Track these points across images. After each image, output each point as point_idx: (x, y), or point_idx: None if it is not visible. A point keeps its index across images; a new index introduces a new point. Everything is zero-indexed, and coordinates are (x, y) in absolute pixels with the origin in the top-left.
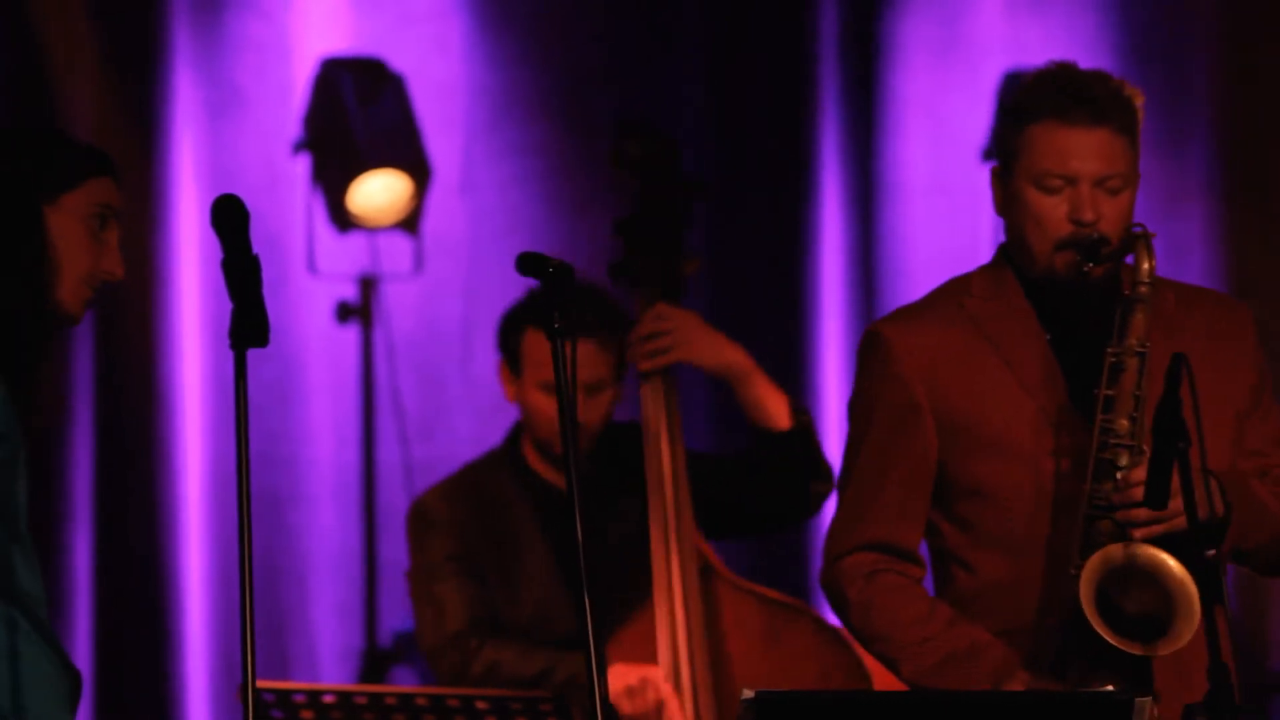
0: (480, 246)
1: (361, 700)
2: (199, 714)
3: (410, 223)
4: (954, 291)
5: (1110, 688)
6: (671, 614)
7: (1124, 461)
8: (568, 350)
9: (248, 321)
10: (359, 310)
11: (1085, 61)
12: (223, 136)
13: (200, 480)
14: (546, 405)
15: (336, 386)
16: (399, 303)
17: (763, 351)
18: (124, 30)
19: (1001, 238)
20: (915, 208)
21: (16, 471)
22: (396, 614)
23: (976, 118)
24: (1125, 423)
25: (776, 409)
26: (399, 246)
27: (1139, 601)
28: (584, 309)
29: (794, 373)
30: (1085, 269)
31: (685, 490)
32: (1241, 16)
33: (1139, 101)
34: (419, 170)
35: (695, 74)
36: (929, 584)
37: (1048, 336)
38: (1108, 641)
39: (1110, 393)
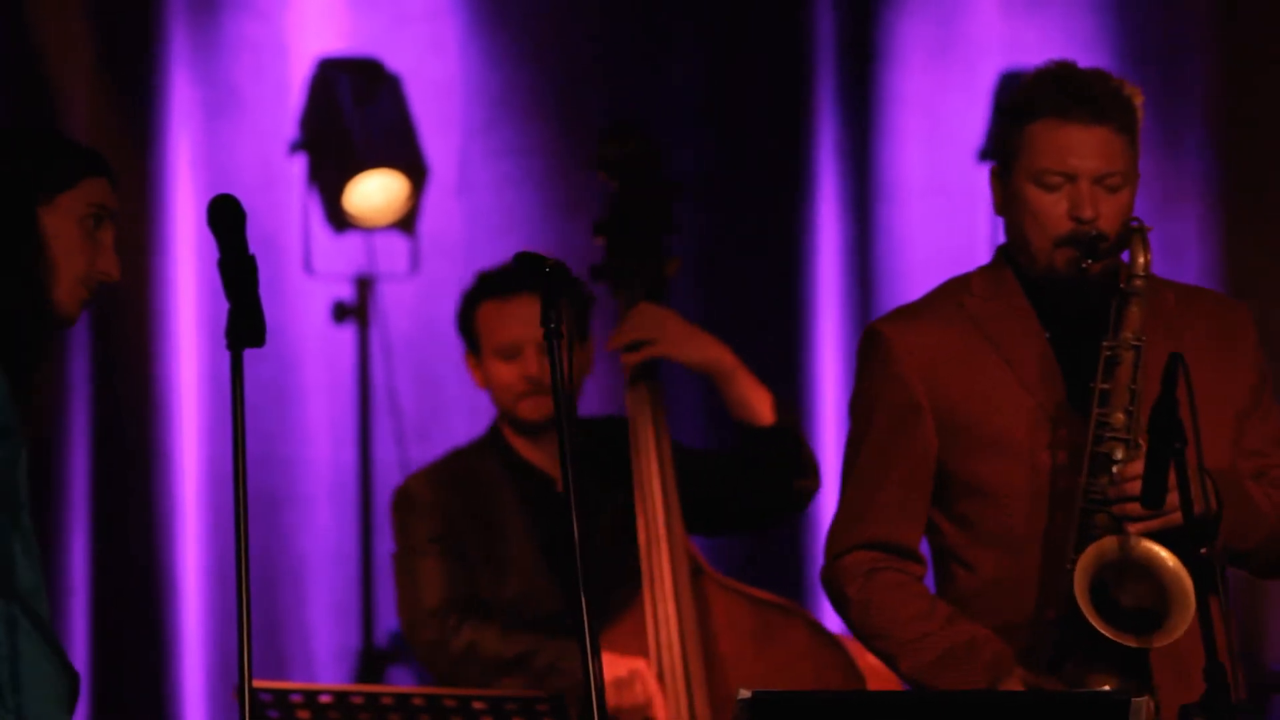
0: (477, 246)
1: (358, 700)
2: (196, 714)
3: (407, 223)
4: (954, 291)
5: (1107, 686)
6: (663, 615)
7: (1119, 455)
8: (564, 351)
9: (244, 322)
10: (355, 310)
11: (1082, 62)
12: (219, 136)
13: (197, 480)
14: (505, 372)
15: (333, 387)
16: (395, 303)
17: (760, 351)
18: (120, 30)
19: (999, 238)
20: (912, 208)
21: (19, 465)
22: (393, 614)
23: (974, 118)
24: (1121, 416)
25: (760, 405)
26: (395, 246)
27: (1134, 594)
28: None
29: (791, 372)
30: (1084, 265)
31: (674, 489)
32: (1237, 17)
33: (1139, 100)
34: (415, 170)
35: (693, 74)
36: (930, 582)
37: (1047, 336)
38: (1103, 635)
39: (1105, 386)
